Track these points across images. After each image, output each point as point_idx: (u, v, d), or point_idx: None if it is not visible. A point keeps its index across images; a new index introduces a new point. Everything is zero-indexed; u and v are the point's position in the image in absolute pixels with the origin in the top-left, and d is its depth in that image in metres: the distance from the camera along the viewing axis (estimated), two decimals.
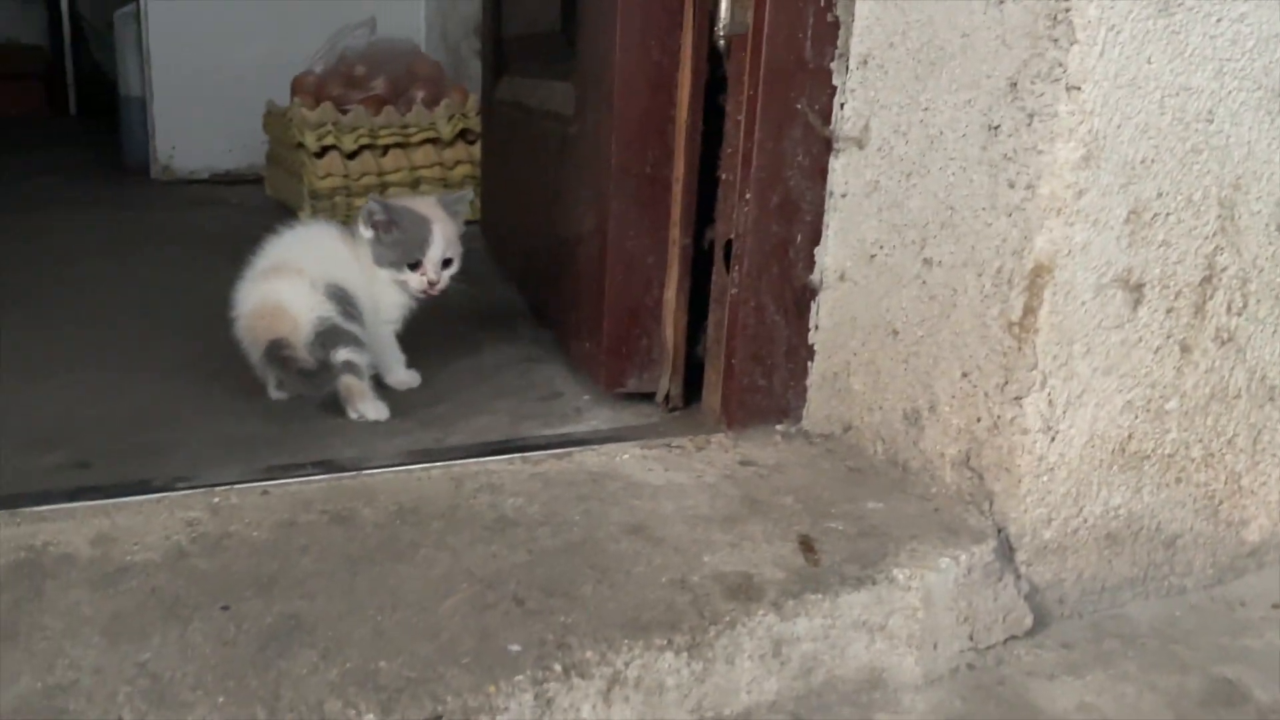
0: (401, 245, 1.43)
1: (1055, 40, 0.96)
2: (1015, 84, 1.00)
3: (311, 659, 0.82)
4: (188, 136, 3.37)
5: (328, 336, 1.31)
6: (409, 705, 0.78)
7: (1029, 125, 0.99)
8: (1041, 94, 0.98)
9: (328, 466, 1.18)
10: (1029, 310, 1.00)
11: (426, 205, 1.49)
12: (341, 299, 1.34)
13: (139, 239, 2.57)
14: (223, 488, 1.08)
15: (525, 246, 2.01)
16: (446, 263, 1.46)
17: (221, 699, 0.76)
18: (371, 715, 0.77)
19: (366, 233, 1.43)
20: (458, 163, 2.87)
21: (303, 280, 1.33)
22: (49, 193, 3.20)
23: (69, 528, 0.99)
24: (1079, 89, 0.96)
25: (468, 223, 2.90)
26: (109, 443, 1.27)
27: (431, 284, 1.44)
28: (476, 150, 2.85)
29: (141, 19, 3.26)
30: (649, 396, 1.47)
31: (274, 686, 0.78)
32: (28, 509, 1.02)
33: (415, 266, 1.43)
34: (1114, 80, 0.97)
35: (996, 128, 1.02)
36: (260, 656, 0.81)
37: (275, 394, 1.41)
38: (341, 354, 1.31)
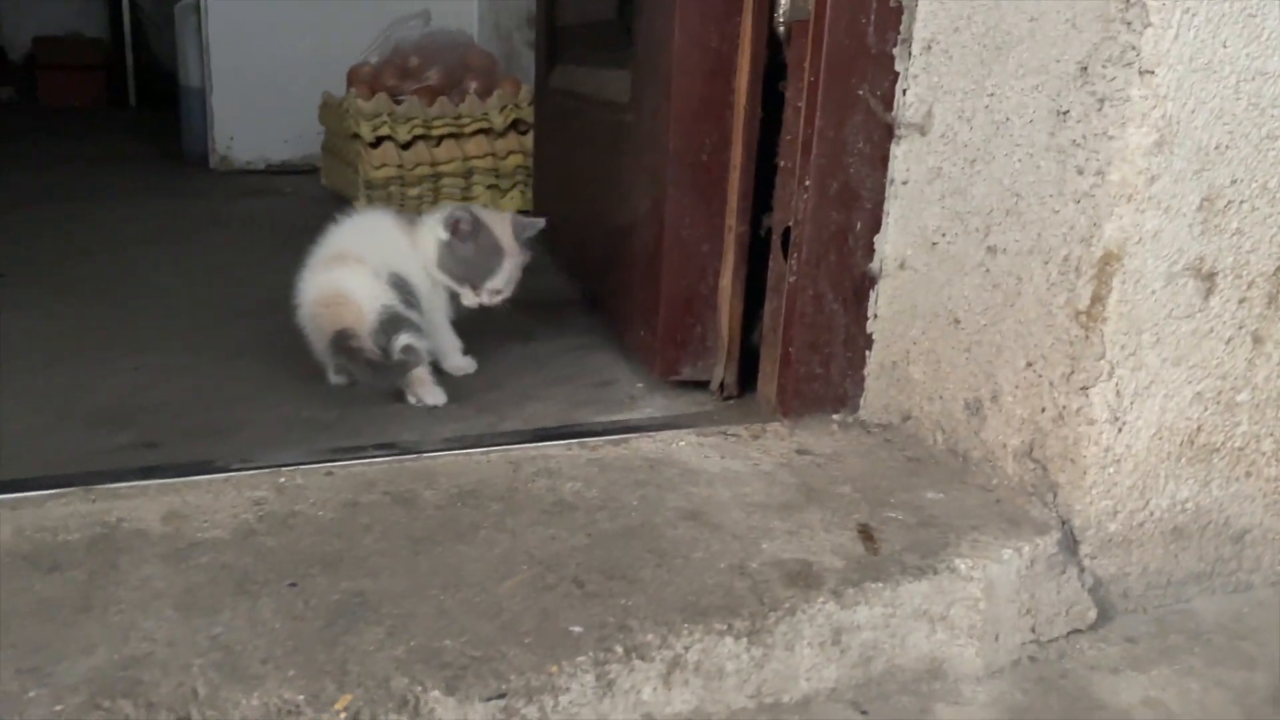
0: (468, 264, 1.46)
1: (1128, 23, 0.94)
2: (1085, 68, 0.98)
3: (378, 635, 0.83)
4: (245, 127, 3.43)
5: (390, 324, 1.33)
6: (473, 683, 0.79)
7: (1099, 110, 0.97)
8: (1113, 78, 0.96)
9: (388, 449, 1.19)
10: (1097, 299, 0.99)
11: (505, 233, 1.49)
12: (402, 287, 1.36)
13: (199, 227, 2.62)
14: (288, 468, 1.10)
15: (578, 235, 2.01)
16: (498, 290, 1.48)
17: (291, 672, 0.78)
18: (437, 692, 0.78)
19: (443, 234, 1.44)
20: (510, 153, 2.88)
21: (365, 269, 1.35)
22: (112, 181, 3.27)
23: (141, 505, 1.01)
24: (1152, 73, 0.94)
25: (520, 212, 2.94)
26: (174, 423, 1.30)
27: (480, 305, 1.48)
28: (528, 141, 2.87)
29: (201, 11, 3.32)
30: (703, 385, 1.47)
31: (341, 661, 0.80)
32: (101, 486, 1.04)
33: (474, 286, 1.46)
34: (1188, 64, 0.95)
35: (1065, 113, 1.00)
36: (328, 632, 0.83)
37: (335, 379, 1.43)
38: (402, 339, 1.32)
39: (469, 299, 1.47)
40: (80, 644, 0.80)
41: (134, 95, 6.26)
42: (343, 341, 1.30)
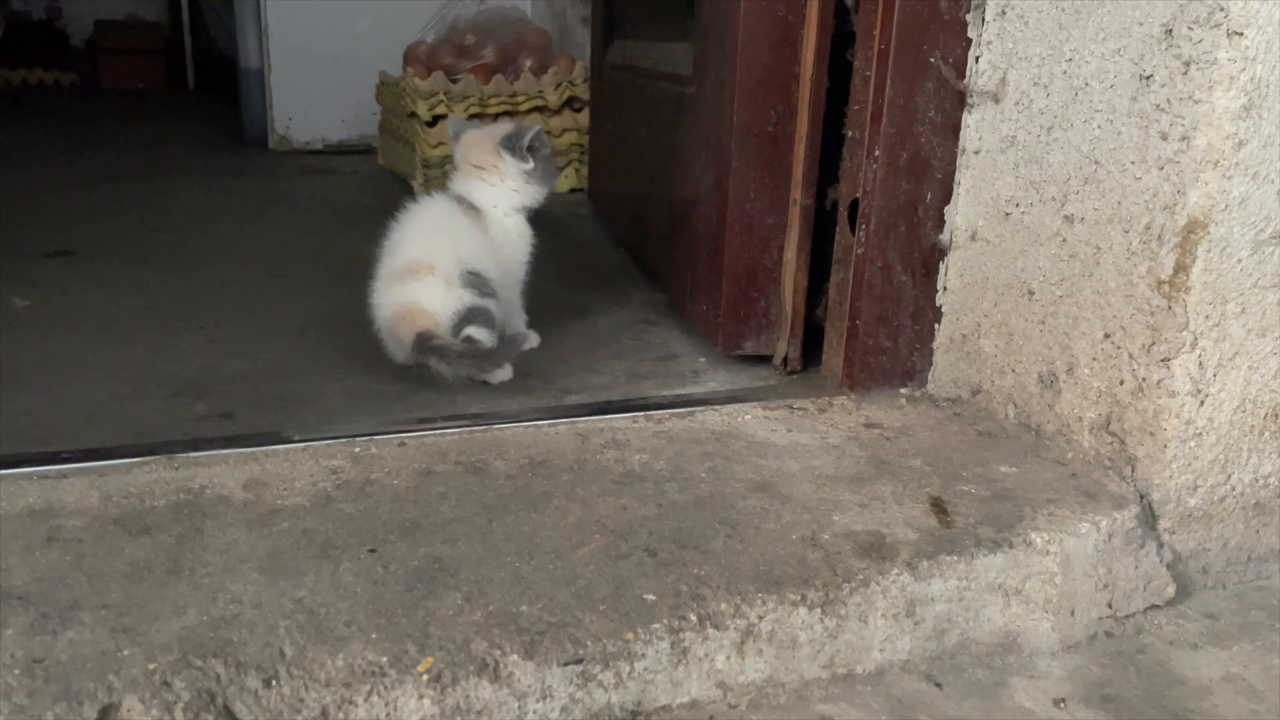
0: (549, 162, 1.50)
1: None
2: (1170, 30, 0.96)
3: (456, 600, 0.84)
4: (304, 107, 3.47)
5: (464, 319, 1.33)
6: (551, 648, 0.80)
7: (1185, 74, 0.95)
8: (1200, 40, 0.93)
9: (458, 419, 1.21)
10: (1180, 268, 0.96)
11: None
12: (476, 282, 1.35)
13: (261, 205, 2.66)
14: (362, 438, 1.12)
15: (637, 210, 2.01)
16: None
17: (374, 635, 0.80)
18: (515, 656, 0.79)
19: (526, 164, 1.45)
20: (564, 130, 2.89)
21: (436, 279, 1.33)
22: (174, 162, 3.33)
23: (222, 472, 1.03)
24: (1241, 34, 0.91)
25: (574, 190, 2.94)
26: (249, 394, 1.33)
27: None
28: (583, 118, 2.87)
29: None
30: (766, 359, 1.46)
31: (422, 625, 0.81)
32: (183, 455, 1.07)
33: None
34: (1279, 25, 0.92)
35: (1149, 77, 0.98)
36: (408, 596, 0.84)
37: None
38: (467, 330, 1.33)
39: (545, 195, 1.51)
40: (171, 604, 0.82)
41: (192, 78, 6.37)
42: (428, 342, 1.29)
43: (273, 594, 0.84)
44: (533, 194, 1.48)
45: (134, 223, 2.38)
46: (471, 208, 1.45)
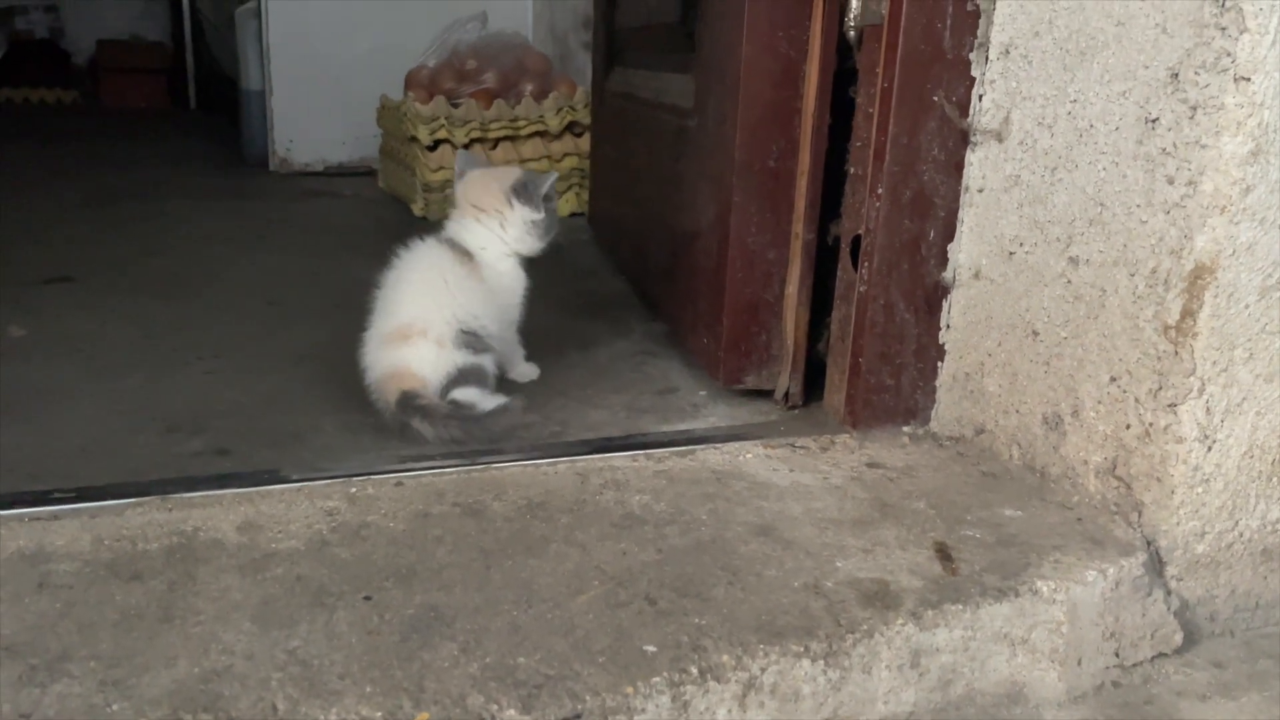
0: (553, 214, 1.46)
1: (1223, 28, 0.91)
2: (1177, 75, 0.95)
3: (452, 651, 0.83)
4: (304, 129, 3.47)
5: (454, 381, 1.30)
6: (549, 703, 0.78)
7: (1191, 118, 0.94)
8: (1206, 85, 0.92)
9: (456, 458, 1.19)
10: (1187, 313, 0.95)
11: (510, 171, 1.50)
12: (469, 340, 1.31)
13: (261, 228, 2.66)
14: (359, 478, 1.11)
15: (637, 239, 2.01)
16: None
17: (368, 688, 0.78)
18: (512, 711, 0.77)
19: (534, 215, 1.41)
20: (565, 155, 2.89)
21: (428, 342, 1.29)
22: (174, 182, 3.33)
23: (216, 514, 1.02)
24: (1248, 80, 0.90)
25: (574, 214, 2.93)
26: (245, 429, 1.31)
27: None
28: (584, 143, 2.87)
29: (262, 15, 3.36)
30: (767, 394, 1.45)
31: (418, 678, 0.79)
32: (176, 495, 1.06)
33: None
34: None
35: (1155, 120, 0.97)
36: (403, 647, 0.83)
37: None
38: (454, 393, 1.30)
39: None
40: (162, 656, 0.80)
41: (194, 98, 6.38)
42: (411, 401, 1.26)
43: (265, 644, 0.82)
44: (532, 244, 1.44)
45: (132, 246, 2.37)
46: (465, 253, 1.40)
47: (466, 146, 2.81)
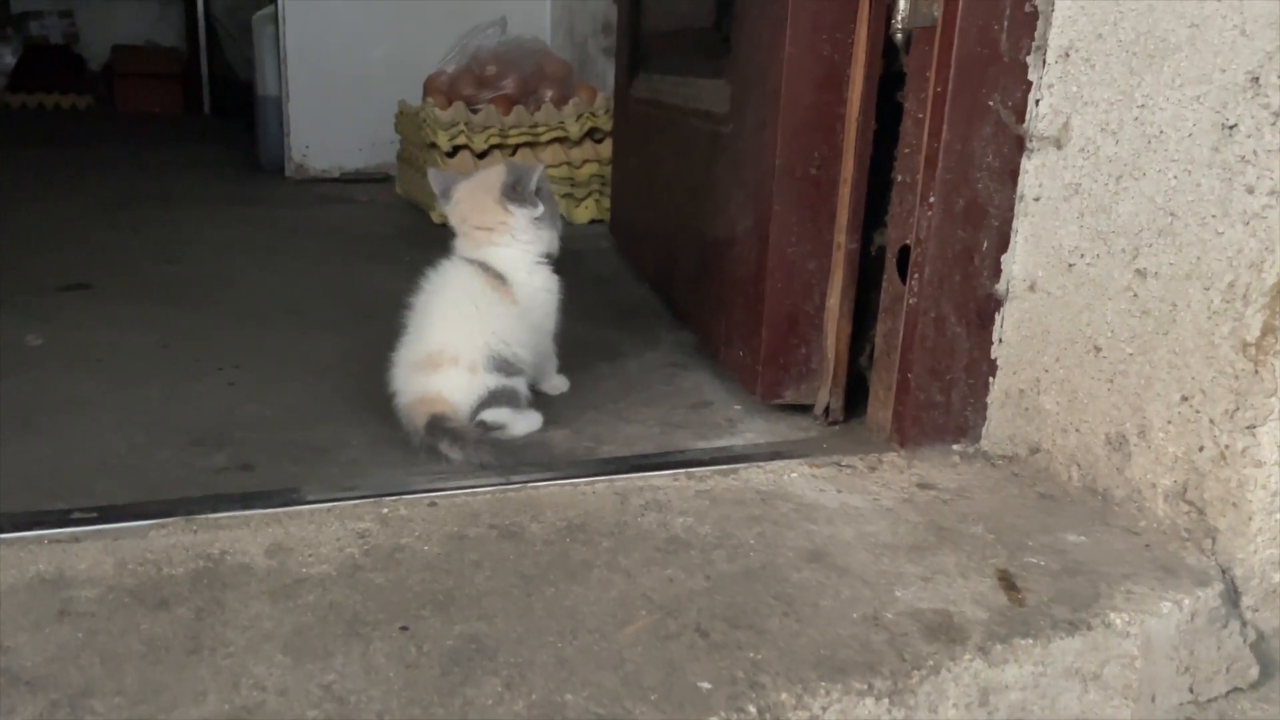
0: (554, 208, 1.41)
1: None
2: (1257, 79, 0.90)
3: (496, 688, 0.78)
4: (321, 135, 3.44)
5: (484, 404, 1.25)
6: None
7: (1274, 124, 0.89)
8: None
9: (490, 475, 1.14)
10: (1269, 330, 0.90)
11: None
12: (500, 363, 1.26)
13: (279, 235, 2.62)
14: (390, 498, 1.06)
15: (664, 247, 1.96)
16: None
17: None
18: None
19: (534, 210, 1.34)
20: (585, 161, 2.85)
21: (459, 370, 1.24)
22: (191, 188, 3.30)
23: (244, 536, 0.98)
24: None
25: (594, 221, 2.89)
26: (269, 443, 1.27)
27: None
28: (604, 149, 2.83)
29: (279, 21, 3.33)
30: (805, 408, 1.40)
31: (460, 717, 0.75)
32: (202, 515, 1.01)
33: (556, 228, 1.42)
34: None
35: (1232, 127, 0.92)
36: (444, 682, 0.78)
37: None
38: (485, 413, 1.25)
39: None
40: (190, 691, 0.76)
41: (209, 104, 6.37)
42: (440, 424, 1.21)
43: (299, 678, 0.78)
44: (548, 239, 1.38)
45: (149, 253, 2.34)
46: (497, 276, 1.33)
47: (484, 154, 2.78)
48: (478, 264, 1.33)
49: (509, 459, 1.19)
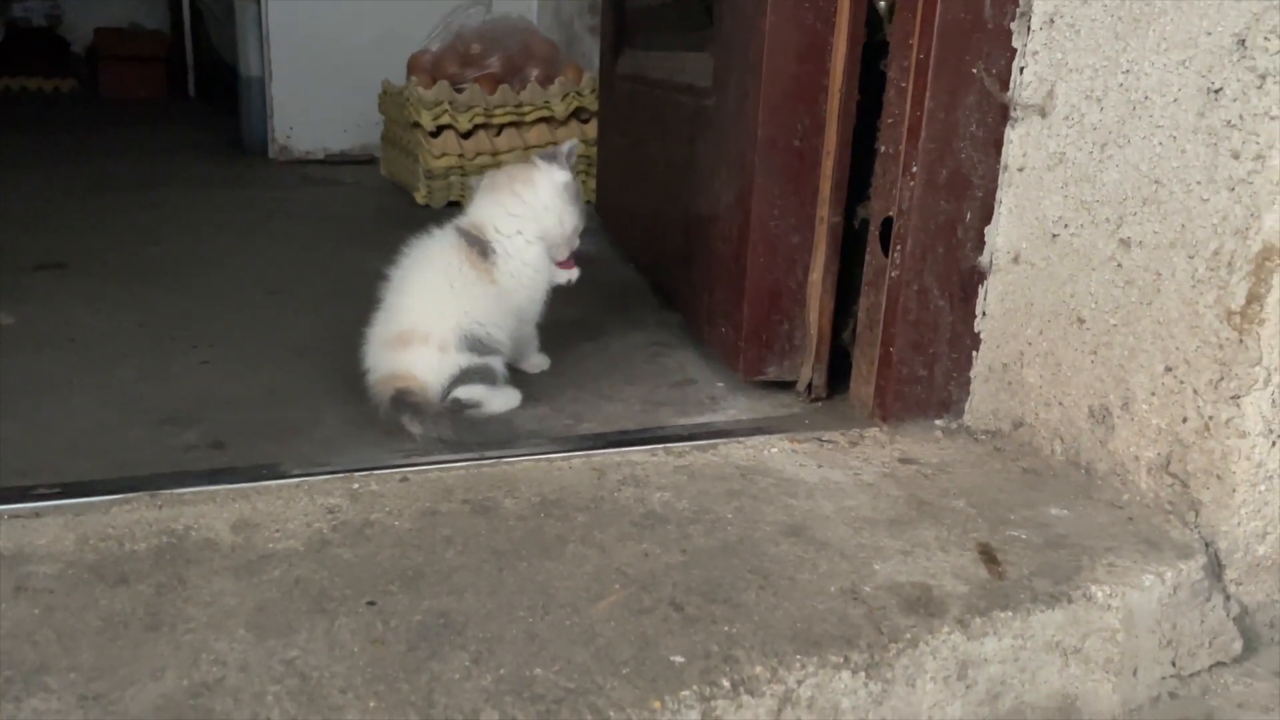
0: (579, 197, 1.41)
1: None
2: (1244, 41, 0.88)
3: (463, 662, 0.76)
4: (305, 117, 3.40)
5: (455, 381, 1.23)
6: (569, 718, 0.72)
7: (1260, 88, 0.87)
8: (1277, 52, 0.86)
9: (465, 452, 1.12)
10: (1254, 298, 0.89)
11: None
12: (474, 342, 1.24)
13: (261, 217, 2.59)
14: (361, 473, 1.04)
15: (649, 226, 1.94)
16: None
17: (373, 703, 0.71)
18: None
19: (563, 175, 1.36)
20: None
21: (429, 348, 1.22)
22: (173, 171, 3.26)
23: (209, 511, 0.95)
24: None
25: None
26: (243, 422, 1.25)
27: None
28: (591, 129, 2.80)
29: (261, 1, 3.29)
30: (788, 385, 1.39)
31: (426, 691, 0.73)
32: (167, 491, 0.99)
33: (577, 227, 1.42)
34: None
35: (1218, 91, 0.90)
36: (410, 658, 0.76)
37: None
38: (458, 391, 1.23)
39: (573, 244, 1.40)
40: (148, 667, 0.74)
41: (193, 86, 6.31)
42: (403, 398, 1.19)
43: (261, 654, 0.76)
44: (561, 216, 1.35)
45: (128, 234, 2.31)
46: (481, 252, 1.30)
47: (469, 134, 2.75)
48: (464, 233, 1.31)
49: (469, 434, 1.17)
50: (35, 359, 1.46)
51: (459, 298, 1.26)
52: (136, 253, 2.14)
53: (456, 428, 1.17)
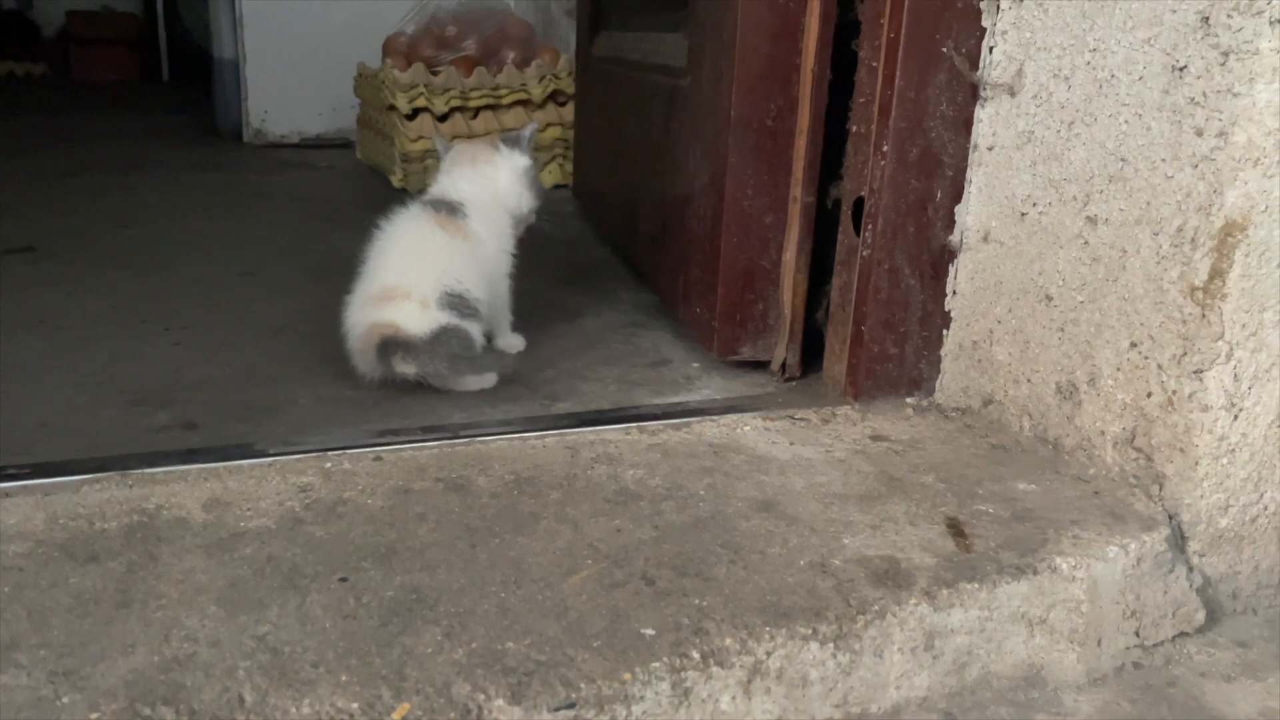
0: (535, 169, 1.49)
1: None
2: (1208, 19, 0.89)
3: (435, 636, 0.77)
4: (279, 100, 3.38)
5: (439, 339, 1.25)
6: (540, 691, 0.72)
7: (1223, 65, 0.88)
8: (1240, 29, 0.86)
9: (439, 431, 1.13)
10: (1216, 273, 0.90)
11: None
12: (456, 304, 1.26)
13: (235, 201, 2.57)
14: (334, 452, 1.04)
15: (625, 207, 1.94)
16: None
17: (344, 677, 0.72)
18: (501, 700, 0.71)
19: (523, 160, 1.44)
20: (548, 125, 2.81)
21: (411, 303, 1.24)
22: (145, 155, 3.23)
23: (181, 490, 0.95)
24: None
25: (557, 186, 2.86)
26: (215, 403, 1.25)
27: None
28: (567, 112, 2.79)
29: None
30: (762, 365, 1.39)
31: (398, 666, 0.73)
32: (138, 470, 0.99)
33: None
34: None
35: (1182, 68, 0.91)
36: (382, 632, 0.77)
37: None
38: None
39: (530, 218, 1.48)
40: (119, 643, 0.74)
41: (167, 70, 6.24)
42: (391, 341, 1.21)
43: (232, 630, 0.76)
44: (520, 197, 1.44)
45: (101, 218, 2.28)
46: (450, 213, 1.34)
47: (445, 116, 2.73)
48: (432, 204, 1.36)
49: (465, 366, 1.20)
50: (4, 342, 1.45)
51: (436, 255, 1.30)
52: (108, 236, 2.12)
53: (452, 362, 1.22)
